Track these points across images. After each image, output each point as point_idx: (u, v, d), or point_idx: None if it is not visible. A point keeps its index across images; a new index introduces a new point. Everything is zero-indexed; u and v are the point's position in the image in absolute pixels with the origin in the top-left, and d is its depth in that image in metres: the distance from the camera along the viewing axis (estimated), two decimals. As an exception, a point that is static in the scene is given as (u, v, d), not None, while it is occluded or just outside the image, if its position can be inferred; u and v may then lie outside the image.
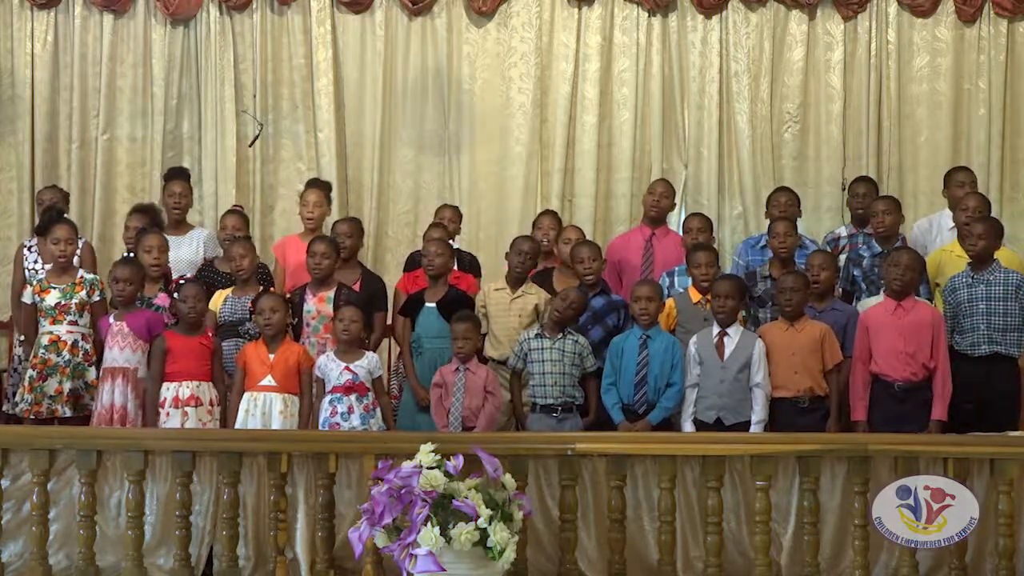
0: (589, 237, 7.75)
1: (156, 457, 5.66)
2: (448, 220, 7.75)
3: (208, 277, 7.14)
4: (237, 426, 6.31)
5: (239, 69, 8.76)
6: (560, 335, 6.63)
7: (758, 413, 6.38)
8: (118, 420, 6.38)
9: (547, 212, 7.95)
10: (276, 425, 6.33)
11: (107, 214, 8.72)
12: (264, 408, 6.36)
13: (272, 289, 6.84)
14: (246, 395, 6.40)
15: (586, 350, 6.66)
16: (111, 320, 6.59)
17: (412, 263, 7.68)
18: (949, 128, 8.70)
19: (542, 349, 6.60)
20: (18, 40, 8.77)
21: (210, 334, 6.61)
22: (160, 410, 6.39)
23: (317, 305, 6.86)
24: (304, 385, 6.47)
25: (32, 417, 6.59)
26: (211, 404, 6.45)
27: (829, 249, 7.65)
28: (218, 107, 8.72)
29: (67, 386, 6.62)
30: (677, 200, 8.42)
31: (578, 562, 5.57)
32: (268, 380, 6.40)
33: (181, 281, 6.69)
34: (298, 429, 6.35)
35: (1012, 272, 6.75)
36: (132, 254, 6.86)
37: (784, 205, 7.62)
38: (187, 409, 6.37)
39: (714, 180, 8.72)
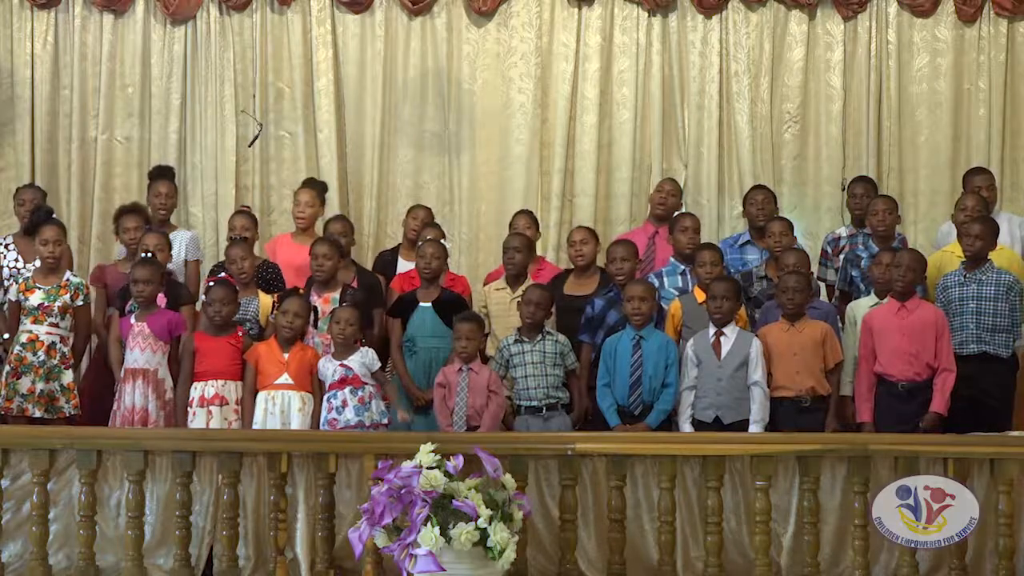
0: (589, 237, 7.74)
1: (156, 457, 5.67)
2: (424, 218, 7.76)
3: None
4: (256, 426, 6.32)
5: (239, 69, 8.76)
6: (539, 337, 6.63)
7: (756, 413, 6.37)
8: (139, 422, 6.39)
9: (523, 212, 7.91)
10: (295, 422, 6.35)
11: (107, 214, 8.65)
12: (282, 406, 6.37)
13: (301, 292, 6.82)
14: (262, 394, 6.41)
15: (566, 348, 6.65)
16: (132, 321, 6.60)
17: (382, 263, 7.69)
18: (949, 128, 8.69)
19: (523, 353, 6.60)
20: (18, 40, 8.76)
21: (240, 333, 6.61)
22: (188, 409, 6.42)
23: (323, 306, 6.86)
24: (316, 387, 6.49)
25: (2, 413, 6.56)
26: (238, 403, 6.46)
27: (830, 250, 7.67)
28: (218, 107, 8.72)
29: (39, 387, 6.58)
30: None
31: (578, 562, 5.58)
32: (284, 379, 6.41)
33: (210, 283, 6.68)
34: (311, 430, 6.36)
35: (1004, 273, 6.77)
36: (150, 255, 6.82)
37: (761, 203, 7.61)
38: (211, 408, 6.38)
39: (714, 180, 8.71)
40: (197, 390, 6.45)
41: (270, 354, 6.48)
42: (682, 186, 8.62)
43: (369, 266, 7.98)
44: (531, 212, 7.98)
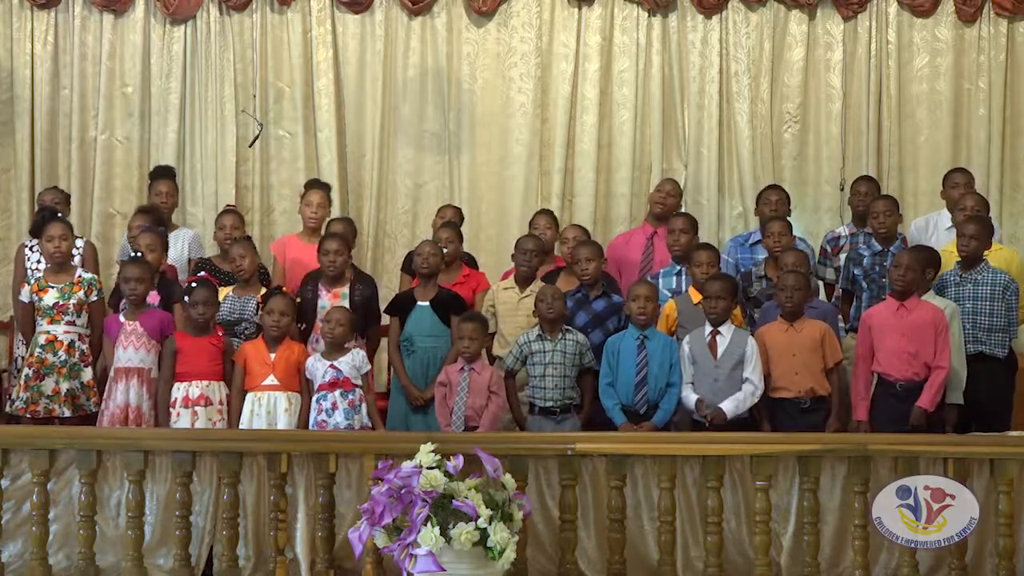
0: (589, 237, 7.74)
1: (156, 457, 5.66)
2: (451, 217, 7.77)
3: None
4: (242, 426, 6.31)
5: (239, 69, 8.77)
6: (560, 335, 6.63)
7: (735, 398, 6.35)
8: (133, 420, 6.38)
9: (543, 211, 7.94)
10: (282, 423, 6.34)
11: (106, 214, 8.72)
12: (269, 407, 6.37)
13: (285, 290, 6.82)
14: (249, 395, 6.40)
15: (585, 347, 6.65)
16: (122, 319, 6.58)
17: (411, 262, 7.70)
18: (949, 128, 8.70)
19: (544, 352, 6.59)
20: (18, 40, 8.77)
21: (220, 333, 6.60)
22: (171, 410, 6.41)
23: (332, 301, 6.86)
24: (304, 384, 6.48)
25: (28, 416, 6.57)
26: (221, 403, 6.45)
27: (830, 249, 7.67)
28: (218, 107, 8.73)
29: (64, 386, 6.60)
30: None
31: (578, 562, 5.57)
32: (271, 379, 6.40)
33: (193, 283, 6.68)
34: (297, 429, 6.35)
35: (1000, 273, 6.79)
36: (139, 254, 6.84)
37: (775, 203, 7.62)
38: (196, 409, 6.38)
39: (714, 180, 8.72)
40: (181, 390, 6.43)
41: (257, 355, 6.47)
42: (682, 186, 8.64)
43: (372, 265, 7.99)
44: (551, 212, 7.97)
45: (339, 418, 6.32)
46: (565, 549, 5.53)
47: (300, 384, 6.47)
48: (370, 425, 6.41)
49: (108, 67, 8.77)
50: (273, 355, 6.45)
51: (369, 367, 6.57)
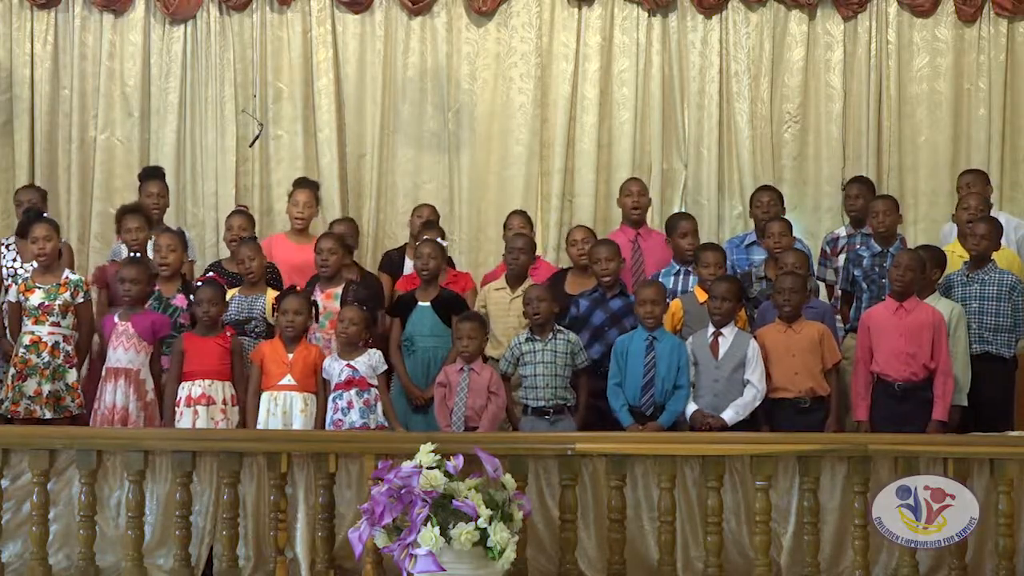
0: (588, 237, 7.73)
1: (156, 457, 5.67)
2: (428, 216, 7.76)
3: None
4: (259, 426, 6.32)
5: (239, 69, 8.76)
6: (551, 335, 6.62)
7: (737, 403, 6.37)
8: (119, 421, 6.38)
9: (517, 212, 7.91)
10: (298, 424, 6.34)
11: (106, 214, 8.67)
12: (285, 407, 6.37)
13: (299, 289, 6.82)
14: (266, 395, 6.41)
15: (577, 347, 6.64)
16: (116, 320, 6.58)
17: (389, 262, 7.69)
18: (949, 128, 8.69)
19: (534, 352, 6.59)
20: (18, 40, 8.77)
21: (228, 334, 6.60)
22: (176, 409, 6.41)
23: (324, 301, 6.88)
24: (320, 385, 6.48)
25: (9, 417, 6.55)
26: (225, 403, 6.45)
27: (829, 250, 7.67)
28: (218, 107, 8.72)
29: (46, 388, 6.54)
30: (677, 200, 8.43)
31: (578, 562, 5.57)
32: (288, 379, 6.40)
33: (199, 283, 6.68)
34: (314, 429, 6.35)
35: (1007, 273, 6.79)
36: (138, 255, 6.82)
37: (767, 204, 7.60)
38: (197, 408, 6.37)
39: (714, 180, 8.71)
40: (184, 390, 6.43)
41: (274, 354, 6.47)
42: (682, 186, 8.66)
43: (373, 265, 7.99)
44: (525, 212, 7.97)
45: (355, 417, 6.32)
46: (565, 549, 5.54)
47: (316, 385, 6.47)
48: (385, 424, 6.41)
49: (108, 67, 8.77)
50: (291, 355, 6.45)
51: (385, 367, 6.57)
